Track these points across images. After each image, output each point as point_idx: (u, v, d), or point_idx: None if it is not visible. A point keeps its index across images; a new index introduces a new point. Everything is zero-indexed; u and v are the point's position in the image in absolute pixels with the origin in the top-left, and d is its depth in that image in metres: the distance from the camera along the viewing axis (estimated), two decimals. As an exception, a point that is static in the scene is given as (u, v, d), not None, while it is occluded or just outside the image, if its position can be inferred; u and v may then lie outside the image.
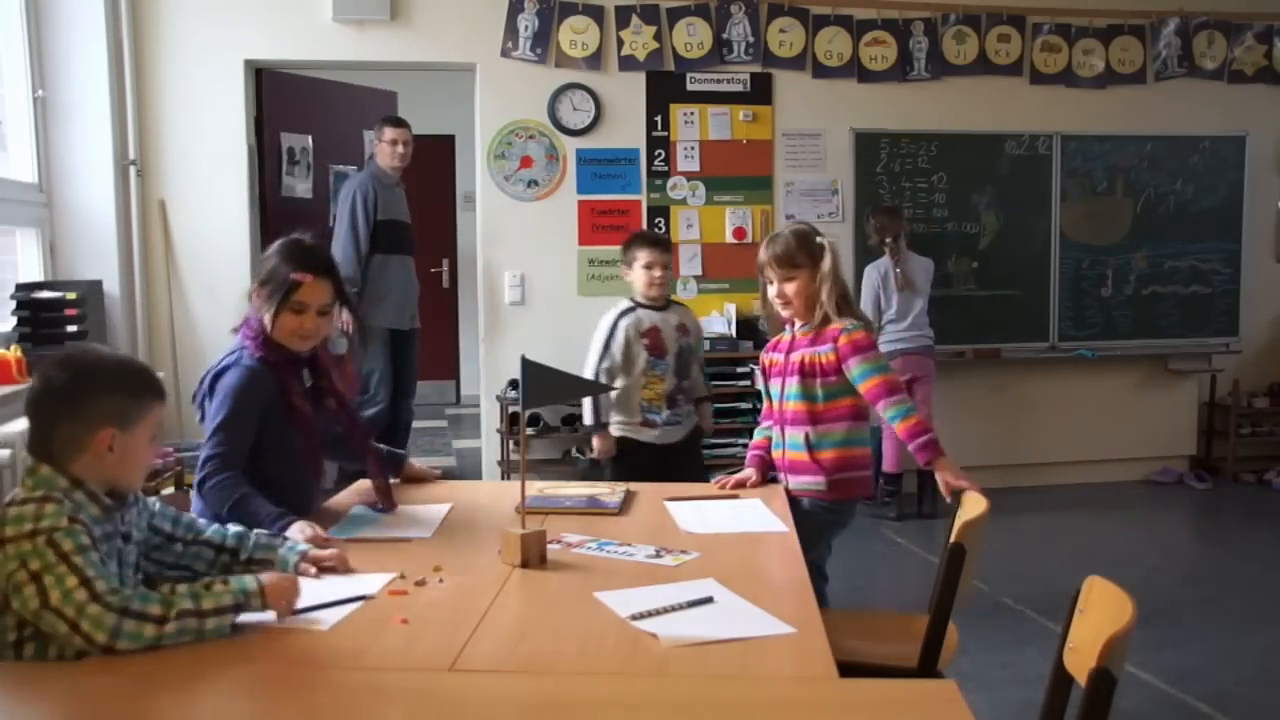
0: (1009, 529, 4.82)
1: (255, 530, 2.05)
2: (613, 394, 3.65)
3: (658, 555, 2.14)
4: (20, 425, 3.40)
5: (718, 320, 5.52)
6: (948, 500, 2.55)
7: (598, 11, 5.46)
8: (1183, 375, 6.18)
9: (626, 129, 5.55)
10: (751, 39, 5.61)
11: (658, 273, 3.68)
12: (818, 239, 2.80)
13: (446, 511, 2.48)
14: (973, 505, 2.36)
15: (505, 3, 5.38)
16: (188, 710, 1.48)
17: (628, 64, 5.52)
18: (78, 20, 4.71)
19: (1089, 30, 5.93)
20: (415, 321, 5.40)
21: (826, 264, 2.75)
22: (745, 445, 5.25)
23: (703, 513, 2.50)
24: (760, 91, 5.65)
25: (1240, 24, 6.07)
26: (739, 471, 2.89)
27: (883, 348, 3.99)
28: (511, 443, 5.31)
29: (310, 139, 5.57)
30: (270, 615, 1.70)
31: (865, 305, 5.33)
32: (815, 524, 2.68)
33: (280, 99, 5.44)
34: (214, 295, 5.14)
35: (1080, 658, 1.58)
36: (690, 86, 5.59)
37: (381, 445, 2.71)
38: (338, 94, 5.81)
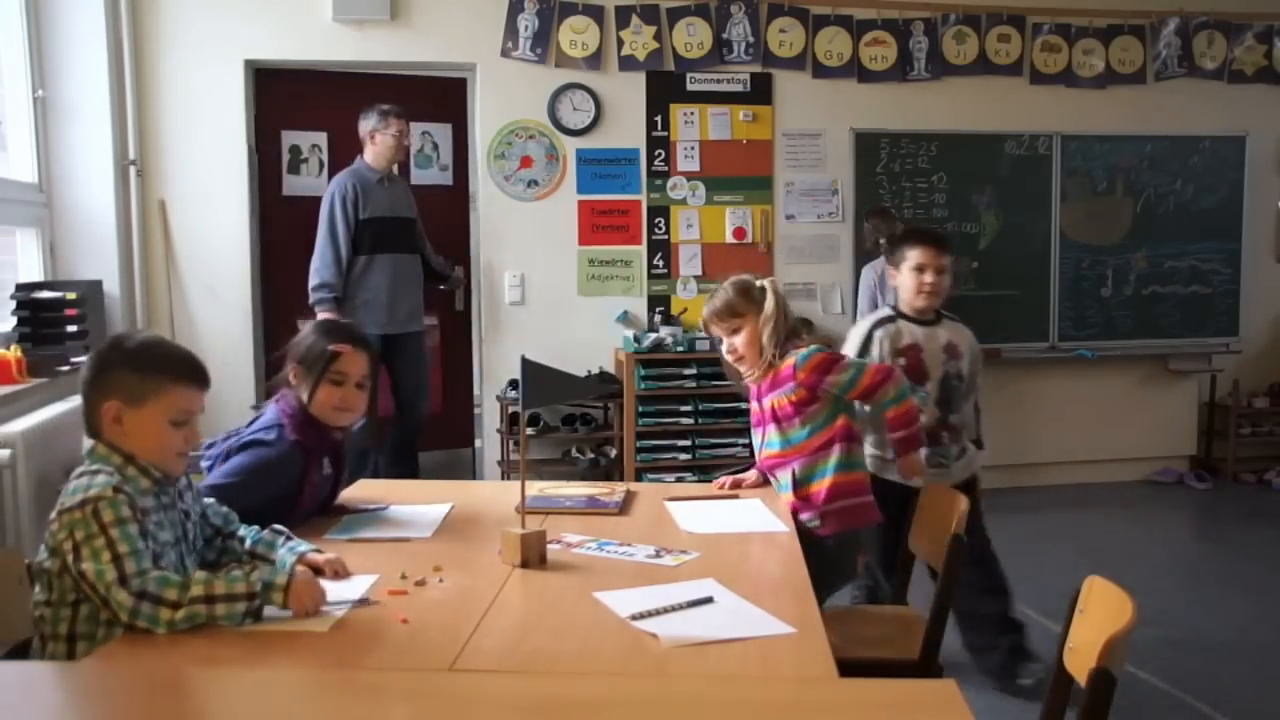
0: (1009, 529, 4.81)
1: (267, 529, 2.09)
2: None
3: (658, 555, 2.14)
4: (20, 425, 3.41)
5: (718, 320, 5.51)
6: (902, 478, 2.80)
7: (598, 11, 5.46)
8: (1183, 375, 6.18)
9: (626, 129, 5.55)
10: (751, 39, 5.61)
11: (929, 278, 3.08)
12: (757, 283, 2.67)
13: (446, 511, 2.48)
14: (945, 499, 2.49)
15: (505, 3, 5.38)
16: (188, 710, 1.48)
17: (628, 64, 5.52)
18: (78, 20, 4.71)
19: (1089, 30, 5.93)
20: (415, 324, 4.94)
21: (769, 307, 2.62)
22: (745, 445, 5.31)
23: (703, 513, 2.50)
24: (760, 91, 5.65)
25: (1240, 24, 6.08)
26: (740, 471, 2.86)
27: None
28: (511, 443, 5.31)
29: (325, 136, 5.46)
30: (287, 612, 1.72)
31: (862, 305, 5.34)
32: (819, 562, 2.34)
33: (288, 96, 5.39)
34: (214, 295, 5.14)
35: (1080, 658, 1.58)
36: (690, 86, 5.59)
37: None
38: (353, 88, 5.47)
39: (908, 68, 5.76)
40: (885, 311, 3.19)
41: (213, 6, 5.11)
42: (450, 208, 5.64)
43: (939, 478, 2.97)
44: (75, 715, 1.49)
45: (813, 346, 2.62)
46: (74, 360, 3.92)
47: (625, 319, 5.57)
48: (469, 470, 5.60)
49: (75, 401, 2.34)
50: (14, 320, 4.11)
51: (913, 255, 3.09)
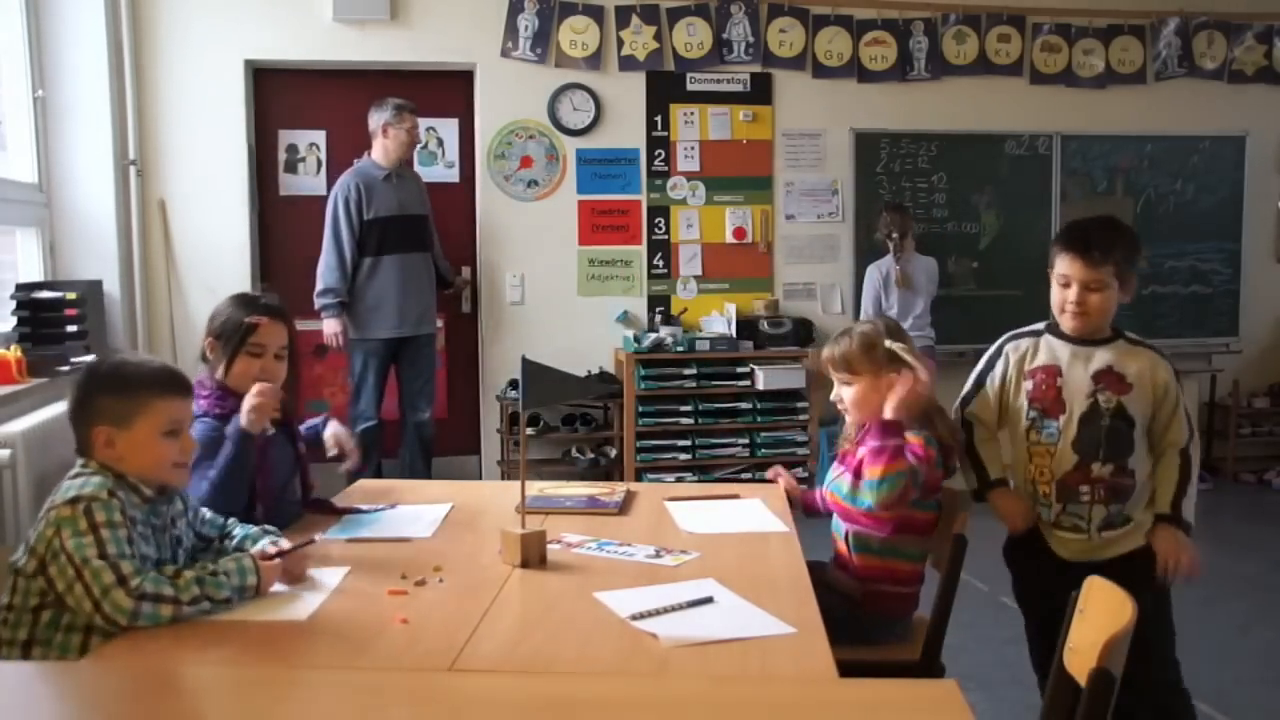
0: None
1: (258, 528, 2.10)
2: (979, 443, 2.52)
3: (658, 555, 2.14)
4: (20, 425, 3.41)
5: (718, 320, 5.52)
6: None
7: (598, 11, 5.46)
8: (1183, 375, 6.14)
9: (626, 129, 5.55)
10: (751, 39, 5.61)
11: (1073, 296, 2.35)
12: (885, 344, 2.35)
13: (446, 511, 2.48)
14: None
15: (505, 3, 5.38)
16: (188, 710, 1.48)
17: (628, 64, 5.52)
18: (78, 20, 4.71)
19: (1089, 30, 5.93)
20: (427, 326, 4.85)
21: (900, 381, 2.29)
22: (745, 445, 5.31)
23: (703, 513, 2.50)
24: (760, 91, 5.65)
25: (1240, 24, 6.07)
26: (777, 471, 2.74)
27: None
28: (511, 443, 5.31)
29: (324, 135, 5.43)
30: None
31: (866, 304, 5.35)
32: (844, 619, 2.05)
33: (286, 95, 5.38)
34: (214, 295, 5.05)
35: (1080, 658, 1.58)
36: (690, 86, 5.59)
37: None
38: (352, 85, 5.44)
39: (908, 68, 5.76)
40: (1038, 325, 2.54)
41: (212, 6, 5.11)
42: (457, 204, 5.59)
43: (1075, 543, 2.38)
44: (75, 715, 1.49)
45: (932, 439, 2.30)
46: (74, 360, 3.92)
47: (625, 319, 5.57)
48: (476, 474, 5.59)
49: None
50: (14, 320, 4.11)
51: (1058, 264, 2.40)
